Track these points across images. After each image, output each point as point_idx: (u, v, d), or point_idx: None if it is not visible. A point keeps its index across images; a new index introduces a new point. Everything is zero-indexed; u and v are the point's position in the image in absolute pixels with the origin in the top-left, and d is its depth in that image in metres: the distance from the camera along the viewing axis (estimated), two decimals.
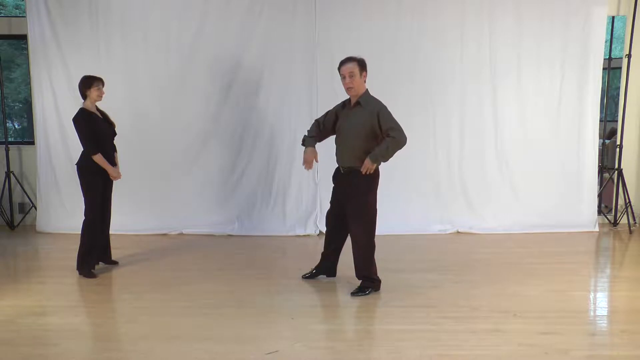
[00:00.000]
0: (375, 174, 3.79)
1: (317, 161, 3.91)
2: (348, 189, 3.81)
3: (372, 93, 3.83)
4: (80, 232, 4.31)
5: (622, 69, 5.94)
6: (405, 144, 3.68)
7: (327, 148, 4.03)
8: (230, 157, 5.84)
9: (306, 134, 3.99)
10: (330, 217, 4.05)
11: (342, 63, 3.76)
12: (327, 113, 3.99)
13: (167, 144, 5.78)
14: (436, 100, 5.73)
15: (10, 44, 6.94)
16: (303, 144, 3.95)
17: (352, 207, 3.80)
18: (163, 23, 5.67)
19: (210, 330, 3.27)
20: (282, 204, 5.85)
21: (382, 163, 3.73)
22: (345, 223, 3.90)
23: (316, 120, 4.03)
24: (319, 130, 3.97)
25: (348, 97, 3.86)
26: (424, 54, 5.67)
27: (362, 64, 3.75)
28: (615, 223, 6.10)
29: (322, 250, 4.20)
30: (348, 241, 3.97)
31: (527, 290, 3.93)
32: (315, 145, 3.93)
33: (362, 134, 3.72)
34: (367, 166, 3.65)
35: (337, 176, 3.95)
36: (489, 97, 5.75)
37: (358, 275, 3.91)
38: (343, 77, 3.74)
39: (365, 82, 3.79)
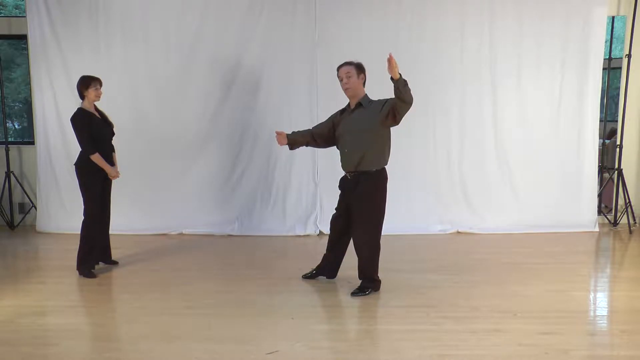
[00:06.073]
0: (384, 178, 3.81)
1: (280, 144, 4.06)
2: (356, 192, 3.79)
3: (372, 93, 3.84)
4: (79, 232, 4.31)
5: (622, 69, 5.94)
6: (412, 100, 3.53)
7: (327, 148, 4.03)
8: (230, 157, 5.84)
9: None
10: (336, 221, 4.03)
11: (339, 67, 3.86)
12: (322, 122, 4.13)
13: (167, 144, 5.78)
14: (436, 101, 5.72)
15: (10, 44, 6.94)
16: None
17: (360, 210, 3.78)
18: (163, 23, 5.67)
19: (210, 330, 3.27)
20: (282, 204, 5.85)
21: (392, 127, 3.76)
22: (351, 227, 3.89)
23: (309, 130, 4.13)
24: (309, 134, 4.04)
25: (346, 100, 3.90)
26: (424, 54, 5.67)
27: (359, 67, 3.81)
28: (615, 223, 6.10)
29: (325, 252, 4.19)
30: (351, 243, 3.96)
31: (527, 290, 3.92)
32: (307, 145, 4.10)
33: (370, 129, 3.72)
34: (392, 60, 3.35)
35: (345, 182, 3.94)
36: (489, 97, 5.75)
37: (360, 276, 3.91)
38: (341, 80, 3.83)
39: (364, 85, 3.83)
